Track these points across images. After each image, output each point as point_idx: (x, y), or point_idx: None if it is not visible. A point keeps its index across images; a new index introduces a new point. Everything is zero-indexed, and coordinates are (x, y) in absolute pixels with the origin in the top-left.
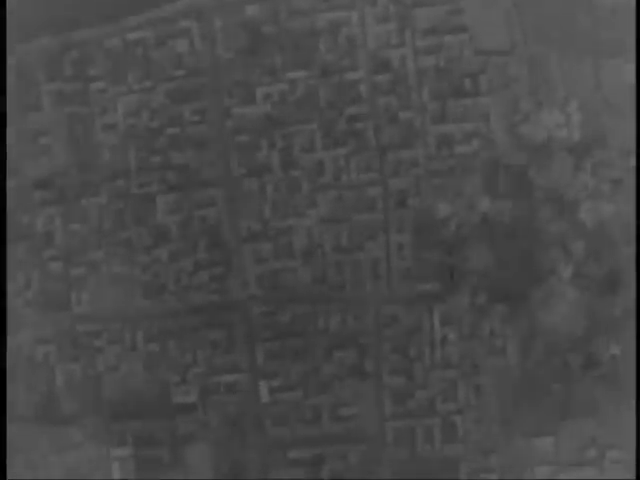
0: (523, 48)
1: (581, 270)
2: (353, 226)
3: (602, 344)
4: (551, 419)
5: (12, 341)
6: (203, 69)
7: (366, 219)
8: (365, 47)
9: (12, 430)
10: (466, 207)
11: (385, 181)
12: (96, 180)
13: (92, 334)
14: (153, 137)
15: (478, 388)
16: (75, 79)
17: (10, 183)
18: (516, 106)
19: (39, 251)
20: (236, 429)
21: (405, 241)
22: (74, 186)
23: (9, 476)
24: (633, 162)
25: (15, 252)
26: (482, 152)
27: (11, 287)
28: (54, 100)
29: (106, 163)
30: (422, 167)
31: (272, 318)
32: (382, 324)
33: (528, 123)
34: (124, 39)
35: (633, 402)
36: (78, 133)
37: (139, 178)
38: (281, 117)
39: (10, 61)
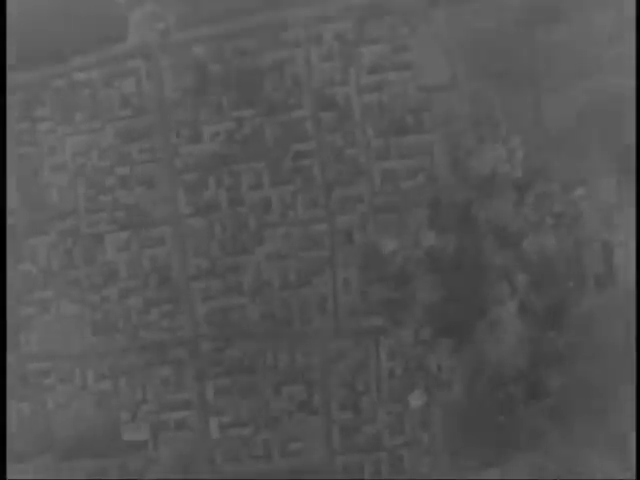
0: (465, 84)
1: (525, 303)
2: (300, 262)
3: (546, 376)
4: (498, 451)
5: None
6: (151, 108)
7: (313, 255)
8: (310, 85)
9: None
10: (411, 242)
11: (331, 217)
12: (45, 219)
13: (42, 373)
14: (102, 176)
15: (425, 422)
16: (22, 120)
17: None
18: (459, 142)
19: None
20: (187, 465)
21: (351, 276)
22: (23, 225)
23: None
24: (575, 195)
25: None
26: (426, 187)
27: None
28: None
29: (55, 203)
30: (367, 203)
31: (221, 354)
32: (329, 359)
33: (471, 158)
34: (71, 79)
35: (579, 432)
36: (27, 173)
37: (88, 217)
38: (228, 155)
39: None
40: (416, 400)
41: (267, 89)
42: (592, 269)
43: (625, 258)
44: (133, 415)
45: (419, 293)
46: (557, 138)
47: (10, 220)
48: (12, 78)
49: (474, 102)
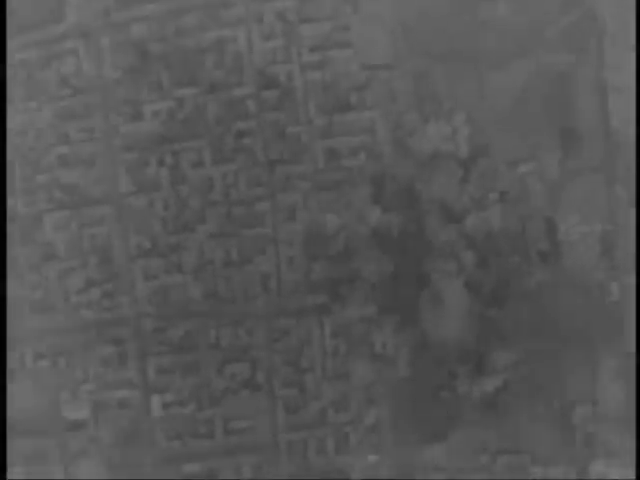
0: (408, 62)
1: (471, 280)
2: (242, 241)
3: (492, 353)
4: (442, 426)
5: None
6: (90, 88)
7: (255, 233)
8: (252, 64)
9: None
10: (355, 219)
11: (274, 196)
12: None
13: None
14: (40, 156)
15: (370, 398)
16: None
17: None
18: (402, 120)
19: None
20: (129, 444)
21: (295, 254)
22: None
23: None
24: (520, 171)
25: None
26: (369, 165)
27: None
28: None
29: None
30: (310, 181)
31: (163, 333)
32: (273, 337)
33: (414, 136)
34: (8, 61)
35: (524, 407)
36: None
37: (25, 197)
38: (169, 134)
39: None
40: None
41: (208, 68)
42: (536, 245)
43: (569, 233)
44: (73, 394)
45: (364, 270)
46: (501, 115)
47: None
48: None
49: (417, 80)
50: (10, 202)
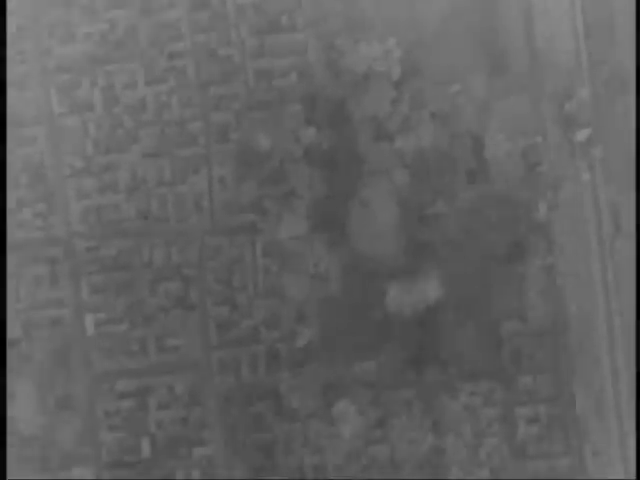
0: None
1: (401, 198)
2: (175, 160)
3: (422, 271)
4: (373, 344)
5: None
6: (21, 11)
7: (188, 153)
8: None
9: None
10: (287, 139)
11: (206, 116)
12: None
13: None
14: None
15: (301, 316)
16: None
17: None
18: (333, 41)
19: None
20: (61, 362)
21: (227, 174)
22: None
23: None
24: (450, 91)
25: None
26: (300, 86)
27: None
28: None
29: None
30: (242, 101)
31: (96, 253)
32: (206, 256)
33: (346, 57)
34: None
35: (452, 322)
36: None
37: None
38: (102, 56)
39: None
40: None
41: None
42: (464, 164)
43: (495, 151)
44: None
45: (296, 189)
46: (431, 37)
47: None
48: None
49: (347, 2)
50: None
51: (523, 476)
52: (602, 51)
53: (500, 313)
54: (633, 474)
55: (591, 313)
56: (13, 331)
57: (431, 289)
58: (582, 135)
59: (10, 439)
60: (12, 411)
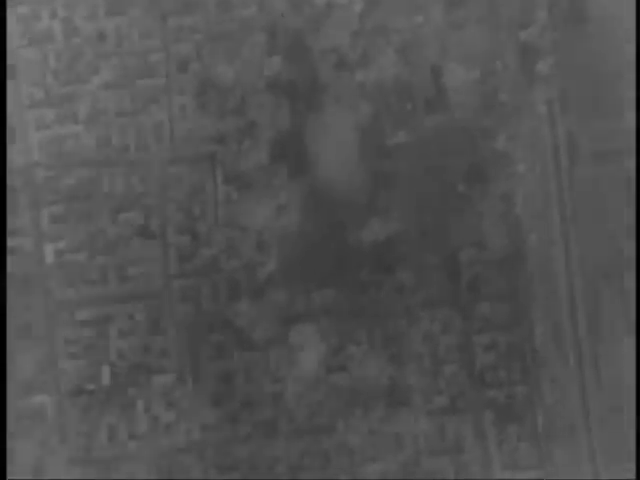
0: None
1: (362, 127)
2: (136, 90)
3: (382, 200)
4: (333, 272)
5: None
6: None
7: (148, 84)
8: None
9: None
10: (250, 70)
11: (167, 47)
12: None
13: None
14: None
15: (260, 245)
16: None
17: None
18: None
19: None
20: (21, 291)
21: (187, 103)
22: None
23: None
24: (412, 22)
25: None
26: (261, 16)
27: None
28: None
29: None
30: (203, 32)
31: (56, 182)
32: (166, 185)
33: None
34: None
35: (413, 253)
36: None
37: None
38: None
39: None
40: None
41: None
42: (424, 93)
43: (454, 81)
44: None
45: (257, 119)
46: None
47: None
48: None
49: None
50: None
51: (481, 404)
52: None
53: (459, 242)
54: (589, 400)
55: (549, 242)
56: None
57: (391, 219)
58: (541, 65)
59: None
60: None
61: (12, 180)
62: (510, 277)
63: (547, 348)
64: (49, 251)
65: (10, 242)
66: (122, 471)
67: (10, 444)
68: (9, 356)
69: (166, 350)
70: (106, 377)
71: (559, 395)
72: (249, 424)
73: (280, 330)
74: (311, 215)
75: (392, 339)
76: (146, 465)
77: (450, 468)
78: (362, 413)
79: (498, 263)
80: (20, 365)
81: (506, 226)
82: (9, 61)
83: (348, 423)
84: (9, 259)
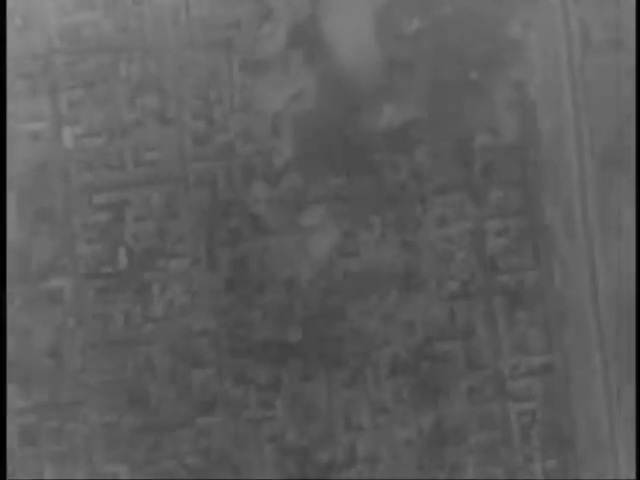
0: None
1: (379, 13)
2: None
3: (398, 86)
4: (347, 158)
5: None
6: None
7: None
8: None
9: None
10: None
11: None
12: None
13: None
14: None
15: (275, 130)
16: None
17: None
18: None
19: None
20: (40, 176)
21: None
22: None
23: None
24: None
25: None
26: None
27: None
28: None
29: None
30: None
31: (75, 67)
32: (182, 70)
33: None
34: None
35: (427, 140)
36: None
37: None
38: None
39: None
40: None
41: None
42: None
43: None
44: None
45: (274, 6)
46: None
47: None
48: None
49: None
50: None
51: (492, 289)
52: None
53: (473, 128)
54: (599, 285)
55: (561, 129)
56: None
57: (406, 105)
58: None
59: None
60: None
61: (32, 66)
62: (522, 163)
63: (558, 234)
64: (67, 135)
65: (30, 127)
66: (138, 353)
67: (27, 328)
68: (28, 239)
69: (181, 234)
70: (122, 261)
71: (569, 280)
72: (262, 309)
73: (294, 215)
74: (327, 101)
75: (405, 225)
76: (161, 348)
77: (460, 352)
78: (377, 298)
79: (511, 150)
80: (37, 249)
81: (519, 113)
82: None
83: (361, 308)
84: (29, 144)
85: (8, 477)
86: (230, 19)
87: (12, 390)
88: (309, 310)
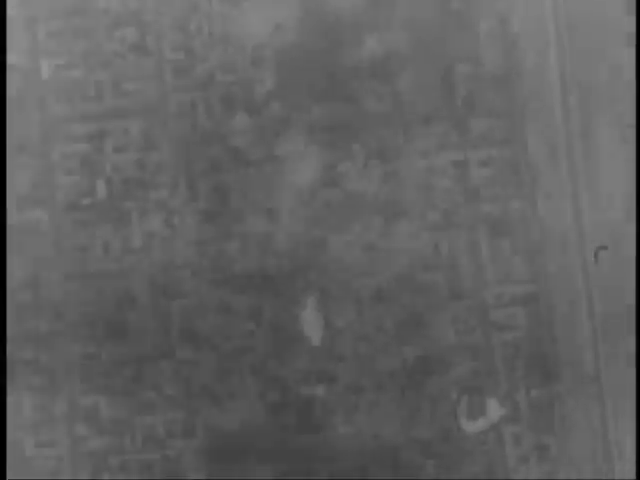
0: None
1: None
2: None
3: (382, 16)
4: (329, 88)
5: None
6: None
7: None
8: None
9: None
10: None
11: None
12: None
13: None
14: None
15: (256, 60)
16: None
17: None
18: None
19: None
20: (18, 108)
21: None
22: None
23: None
24: None
25: None
26: None
27: None
28: None
29: None
30: None
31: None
32: (162, 1)
33: None
34: None
35: (409, 69)
36: None
37: None
38: None
39: None
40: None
41: None
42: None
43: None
44: None
45: None
46: None
47: None
48: None
49: None
50: None
51: (476, 218)
52: None
53: (455, 57)
54: (583, 213)
55: (544, 61)
56: None
57: (388, 35)
58: None
59: None
60: None
61: None
62: (506, 94)
63: (541, 164)
64: (45, 67)
65: (7, 59)
66: (117, 284)
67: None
68: (8, 172)
69: (161, 165)
70: (101, 192)
71: (553, 209)
72: (243, 239)
73: (275, 145)
74: (308, 31)
75: (388, 155)
76: (140, 280)
77: (443, 282)
78: (359, 229)
79: (494, 80)
80: (17, 181)
81: (503, 45)
82: None
83: (344, 238)
84: (7, 76)
85: None
86: None
87: None
88: (291, 240)
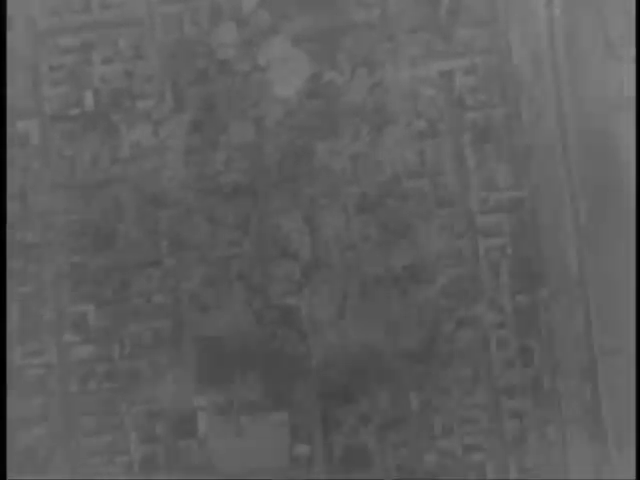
0: None
1: None
2: None
3: None
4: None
5: None
6: None
7: None
8: None
9: None
10: None
11: None
12: None
13: None
14: None
15: None
16: None
17: None
18: None
19: None
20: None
21: None
22: None
23: None
24: None
25: None
26: None
27: None
28: None
29: None
30: None
31: None
32: None
33: None
34: None
35: None
36: None
37: None
38: None
39: None
40: None
41: None
42: None
43: None
44: None
45: None
46: None
47: None
48: None
49: None
50: None
51: (461, 126)
52: None
53: None
54: (569, 119)
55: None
56: None
57: None
58: None
59: None
60: None
61: None
62: (490, 2)
63: (526, 71)
64: None
65: None
66: (105, 194)
67: None
68: None
69: (148, 76)
70: (89, 102)
71: (537, 116)
72: (229, 149)
73: (261, 55)
74: None
75: (374, 64)
76: (128, 189)
77: (429, 190)
78: (346, 138)
79: None
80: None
81: None
82: None
83: (330, 147)
84: None
85: None
86: None
87: None
88: (277, 150)
